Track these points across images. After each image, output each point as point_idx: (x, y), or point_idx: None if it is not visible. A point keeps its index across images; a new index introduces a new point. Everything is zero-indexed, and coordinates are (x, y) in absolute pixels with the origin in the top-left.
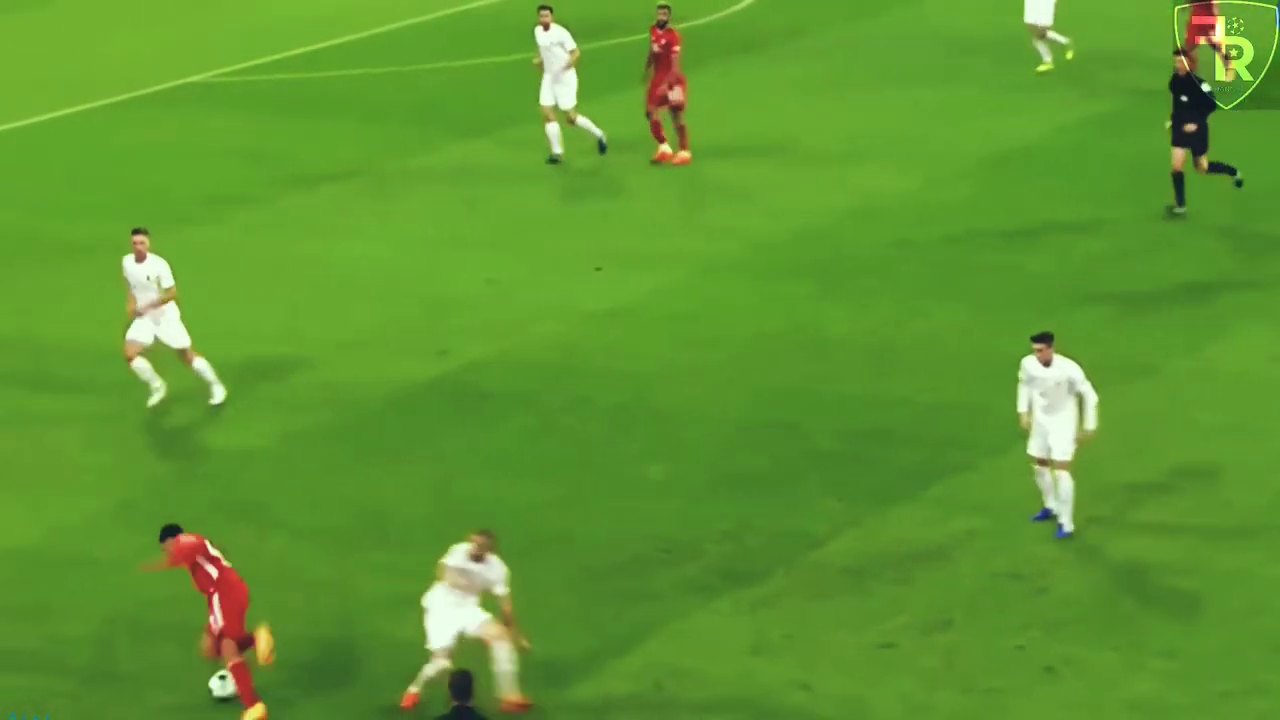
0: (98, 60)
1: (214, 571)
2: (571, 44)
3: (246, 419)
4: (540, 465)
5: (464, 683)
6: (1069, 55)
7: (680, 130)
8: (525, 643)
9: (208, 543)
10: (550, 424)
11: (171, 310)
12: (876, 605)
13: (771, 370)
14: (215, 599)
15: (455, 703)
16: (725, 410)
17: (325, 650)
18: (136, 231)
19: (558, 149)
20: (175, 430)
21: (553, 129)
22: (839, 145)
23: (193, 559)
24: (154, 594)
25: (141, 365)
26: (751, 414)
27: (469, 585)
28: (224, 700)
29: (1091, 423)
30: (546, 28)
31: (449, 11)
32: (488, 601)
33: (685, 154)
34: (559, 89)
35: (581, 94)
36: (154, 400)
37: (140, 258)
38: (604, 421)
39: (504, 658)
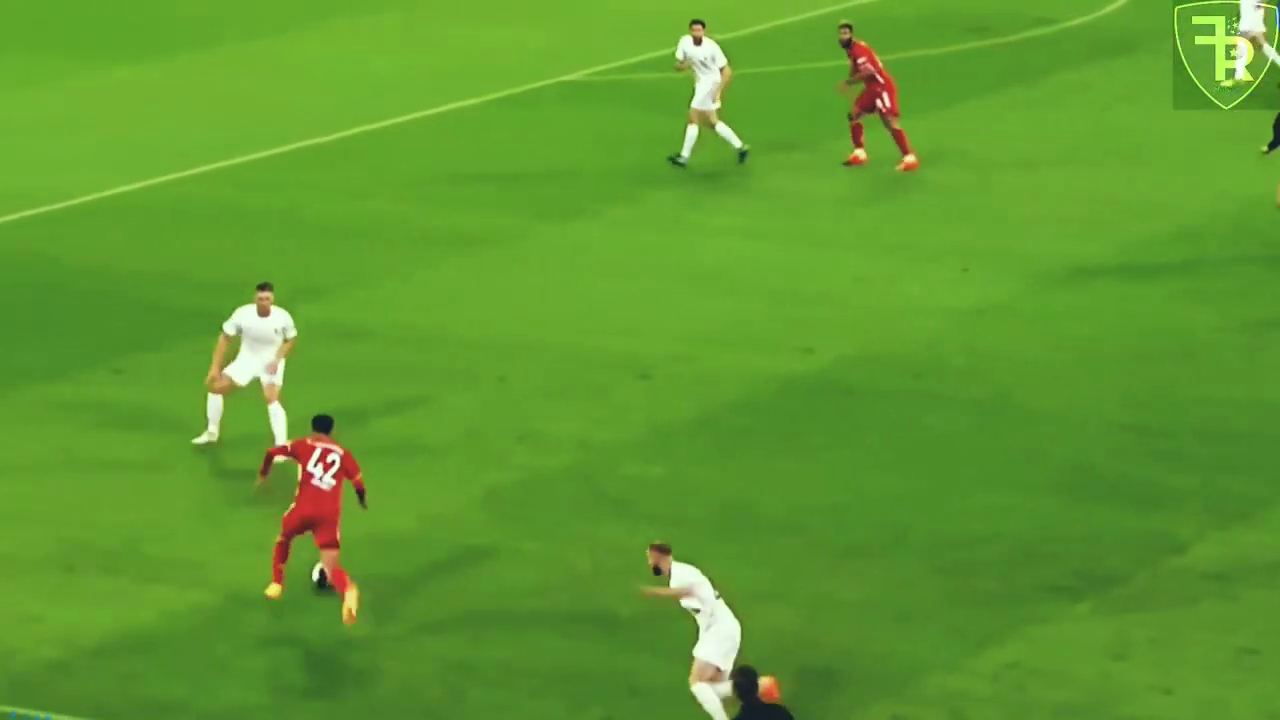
0: (469, 56)
1: (302, 475)
2: (723, 60)
3: (614, 412)
4: (902, 461)
5: (748, 680)
6: None
7: (900, 132)
8: None
9: (314, 454)
10: (913, 421)
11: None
12: (1242, 611)
13: (1137, 372)
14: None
15: (744, 700)
16: (1089, 410)
17: (678, 641)
18: (262, 287)
19: (738, 142)
20: (544, 422)
21: (723, 129)
22: (1207, 147)
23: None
24: (528, 582)
25: (217, 404)
26: (1115, 415)
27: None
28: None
29: None
30: (698, 42)
31: (834, 9)
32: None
33: (911, 159)
34: (706, 100)
35: (955, 97)
36: (201, 441)
37: (265, 312)
38: (966, 419)
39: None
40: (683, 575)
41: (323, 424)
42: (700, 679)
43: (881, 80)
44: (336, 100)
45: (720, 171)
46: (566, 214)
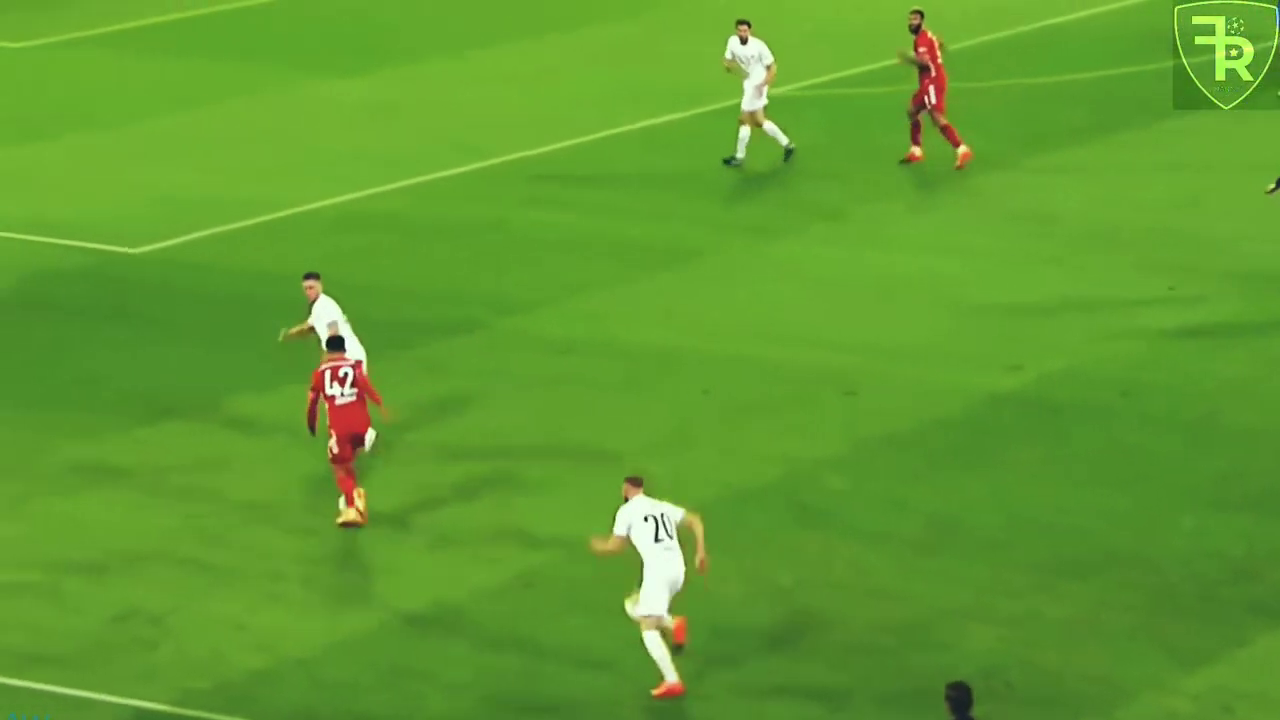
0: (677, 70)
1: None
2: (769, 58)
3: (818, 426)
4: (1110, 480)
5: (961, 695)
6: None
7: (919, 125)
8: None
9: (327, 377)
10: (1121, 440)
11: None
12: None
13: None
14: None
15: (956, 716)
16: None
17: (880, 657)
18: (308, 276)
19: (785, 140)
20: (748, 437)
21: (770, 127)
22: None
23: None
24: (731, 597)
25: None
26: None
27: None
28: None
29: None
30: (744, 41)
31: (1053, 21)
32: None
33: (964, 149)
34: (754, 98)
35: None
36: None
37: (313, 301)
38: (1175, 438)
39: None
40: (618, 522)
41: (335, 344)
42: (645, 629)
43: (933, 74)
44: (544, 113)
45: (925, 184)
46: (773, 228)
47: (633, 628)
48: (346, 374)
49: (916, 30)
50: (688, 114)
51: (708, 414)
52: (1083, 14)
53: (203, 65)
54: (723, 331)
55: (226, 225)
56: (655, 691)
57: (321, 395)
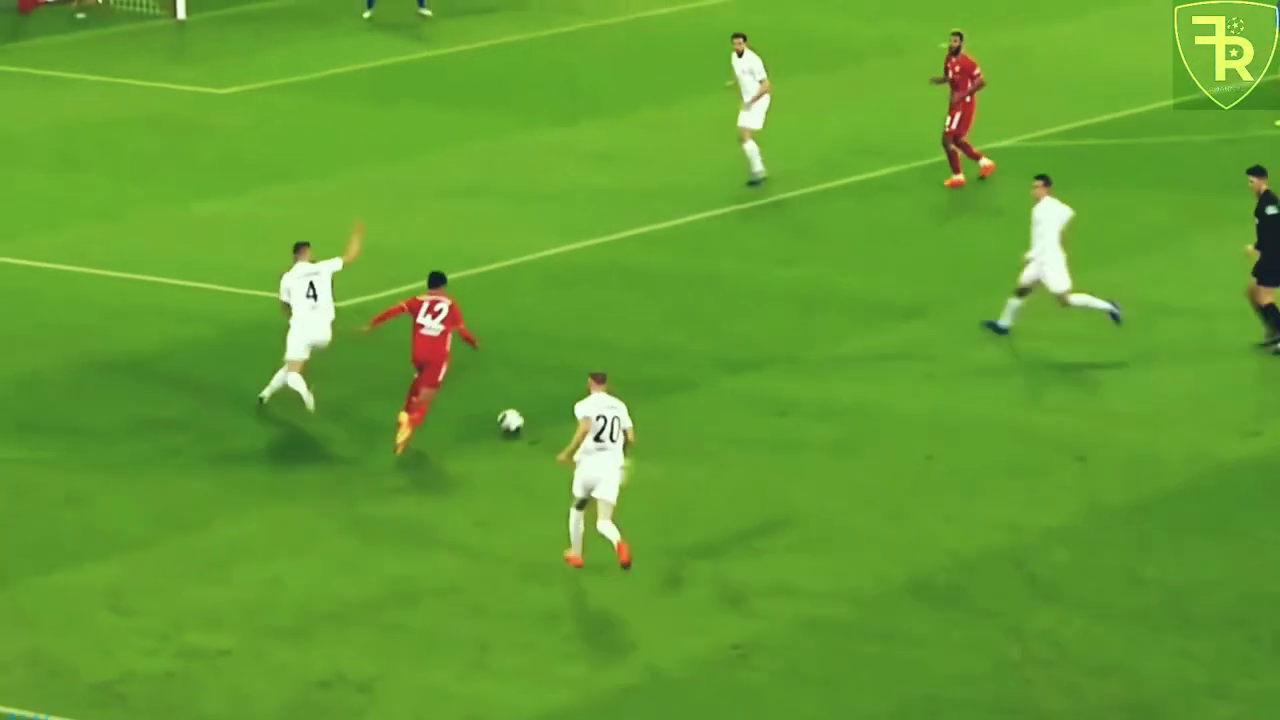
0: (902, 122)
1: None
2: (762, 74)
3: (1046, 493)
4: None
5: None
6: None
7: (954, 153)
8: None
9: (424, 306)
10: None
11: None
12: None
13: None
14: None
15: None
16: None
17: None
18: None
19: (759, 168)
20: (972, 503)
21: (750, 148)
22: None
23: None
24: (954, 670)
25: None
26: None
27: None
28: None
29: None
30: (740, 54)
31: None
32: None
33: (958, 177)
34: (747, 113)
35: None
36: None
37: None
38: None
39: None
40: (579, 411)
41: (436, 279)
42: (572, 506)
43: (958, 97)
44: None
45: (1146, 245)
46: (998, 283)
47: None
48: (441, 309)
49: (956, 52)
50: (899, 169)
51: (930, 479)
52: None
53: (411, 113)
54: (947, 391)
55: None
56: (564, 556)
57: (412, 319)
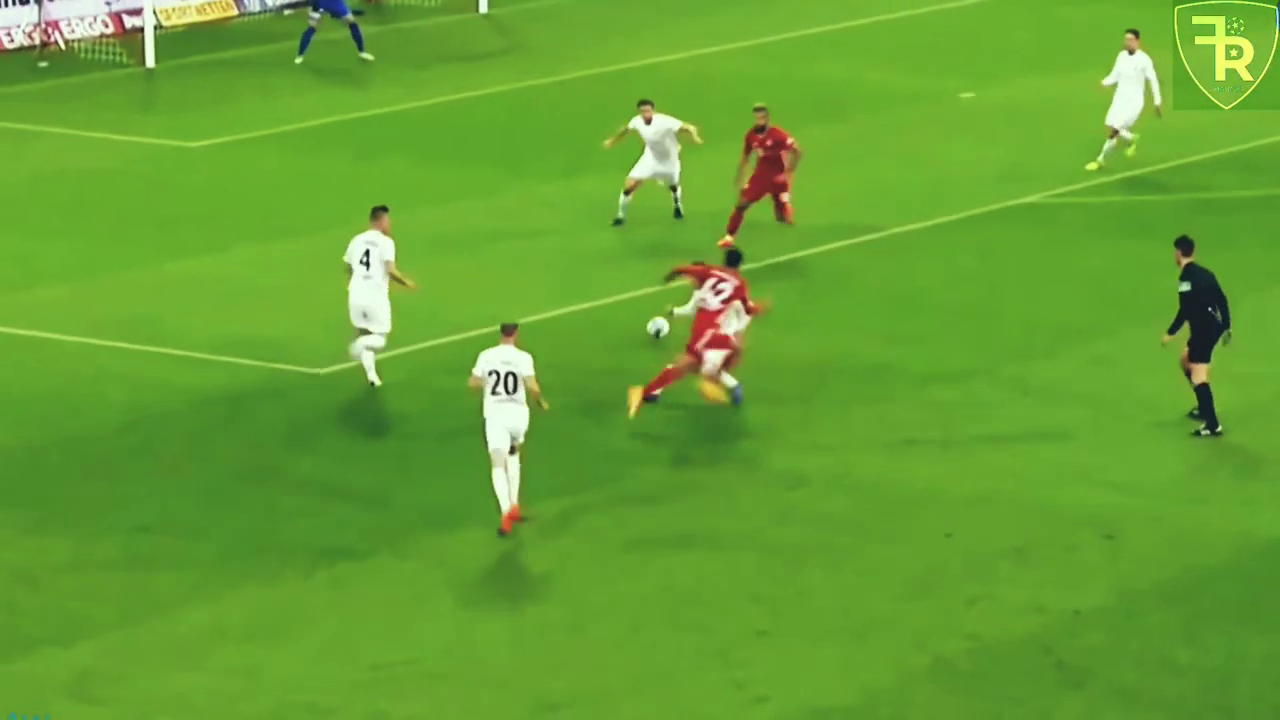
0: (935, 174)
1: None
2: (678, 124)
3: (1075, 574)
4: None
5: None
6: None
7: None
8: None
9: (709, 280)
10: None
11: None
12: None
13: None
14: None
15: None
16: None
17: None
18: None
19: (620, 215)
20: (996, 585)
21: (625, 200)
22: None
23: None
24: None
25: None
26: None
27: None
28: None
29: None
30: (649, 121)
31: None
32: None
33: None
34: (665, 166)
35: None
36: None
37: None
38: None
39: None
40: (476, 365)
41: (733, 258)
42: (493, 466)
43: (780, 180)
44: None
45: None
46: (1033, 351)
47: None
48: (723, 289)
49: (762, 129)
50: (925, 224)
51: (952, 559)
52: None
53: (396, 167)
54: (968, 466)
55: (422, 343)
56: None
57: (696, 291)
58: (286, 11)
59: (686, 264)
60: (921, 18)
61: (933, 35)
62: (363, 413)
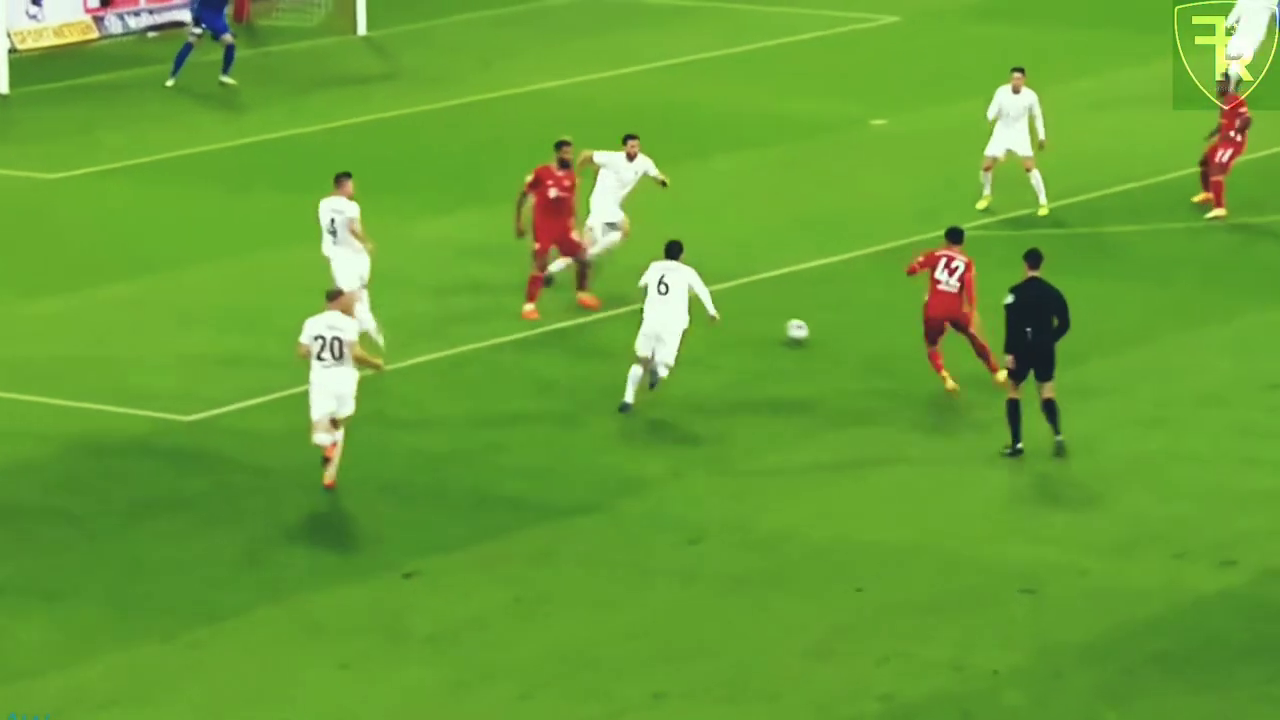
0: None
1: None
2: (655, 171)
3: (995, 632)
4: None
5: None
6: None
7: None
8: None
9: (941, 262)
10: None
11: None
12: None
13: None
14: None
15: None
16: None
17: None
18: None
19: (560, 267)
20: (909, 643)
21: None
22: None
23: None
24: None
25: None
26: None
27: None
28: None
29: None
30: (632, 157)
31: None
32: None
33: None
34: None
35: None
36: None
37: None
38: None
39: None
40: (303, 332)
41: (955, 235)
42: (314, 432)
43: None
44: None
45: (1127, 341)
46: (941, 393)
47: None
48: (957, 267)
49: (566, 164)
50: (838, 258)
51: (862, 615)
52: None
53: (268, 199)
54: (880, 518)
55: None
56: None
57: (930, 274)
58: (150, 34)
59: (918, 259)
60: (829, 40)
61: (842, 59)
62: (233, 464)
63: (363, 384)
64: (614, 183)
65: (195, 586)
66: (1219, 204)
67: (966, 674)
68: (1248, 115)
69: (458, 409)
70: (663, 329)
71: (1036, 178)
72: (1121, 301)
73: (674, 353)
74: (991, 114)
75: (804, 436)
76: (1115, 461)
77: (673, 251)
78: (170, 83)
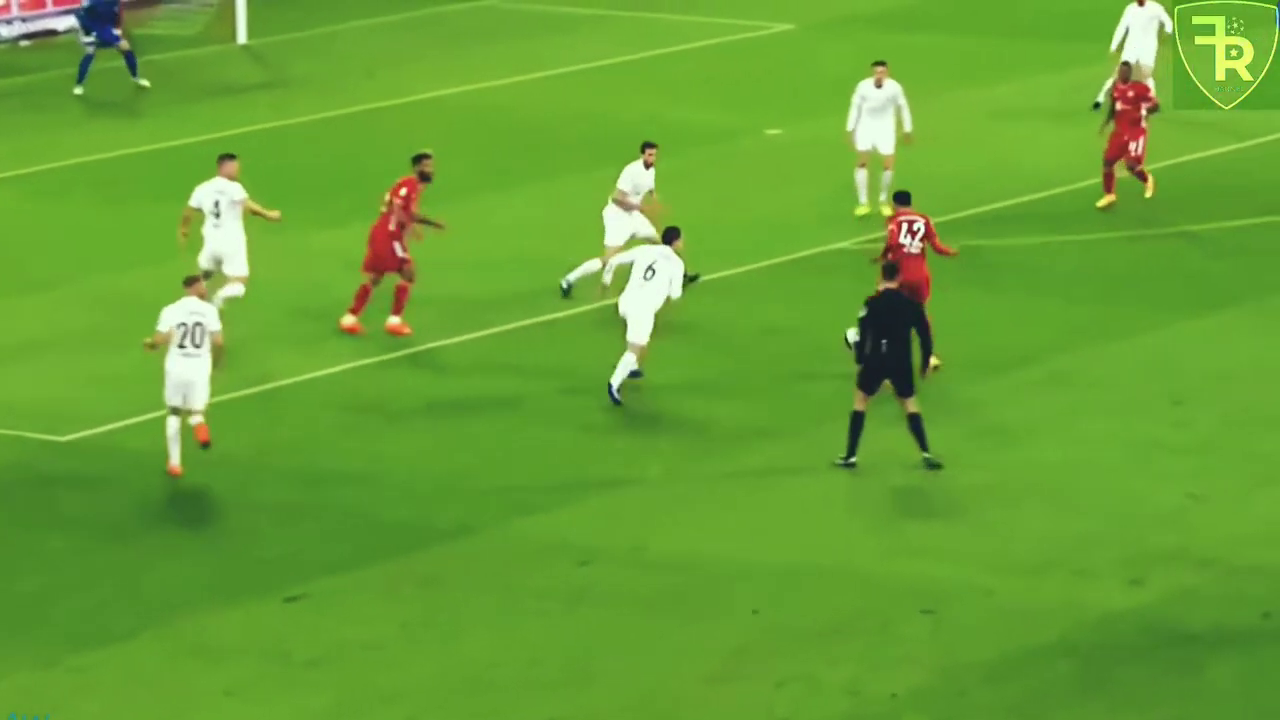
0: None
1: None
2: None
3: (895, 654)
4: None
5: None
6: None
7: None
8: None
9: (902, 227)
10: (1268, 672)
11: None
12: None
13: None
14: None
15: None
16: None
17: None
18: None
19: (568, 282)
20: (807, 665)
21: (593, 265)
22: None
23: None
24: None
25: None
26: None
27: None
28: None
29: None
30: (648, 166)
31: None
32: None
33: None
34: (624, 223)
35: None
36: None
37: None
38: None
39: None
40: (160, 320)
41: (902, 197)
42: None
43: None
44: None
45: (1028, 358)
46: (844, 411)
47: None
48: (919, 228)
49: (428, 178)
50: (743, 269)
51: (759, 638)
52: None
53: (147, 212)
54: (776, 538)
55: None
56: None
57: (891, 242)
58: (24, 43)
59: (890, 233)
60: (723, 47)
61: (736, 67)
62: (112, 484)
63: (246, 405)
64: (633, 196)
65: (76, 611)
66: (1109, 191)
67: (864, 698)
68: (1156, 101)
69: (341, 429)
70: (634, 309)
71: (888, 177)
72: (1027, 316)
73: (646, 332)
74: (853, 111)
75: (697, 454)
76: (1019, 478)
77: (669, 237)
78: (79, 90)
